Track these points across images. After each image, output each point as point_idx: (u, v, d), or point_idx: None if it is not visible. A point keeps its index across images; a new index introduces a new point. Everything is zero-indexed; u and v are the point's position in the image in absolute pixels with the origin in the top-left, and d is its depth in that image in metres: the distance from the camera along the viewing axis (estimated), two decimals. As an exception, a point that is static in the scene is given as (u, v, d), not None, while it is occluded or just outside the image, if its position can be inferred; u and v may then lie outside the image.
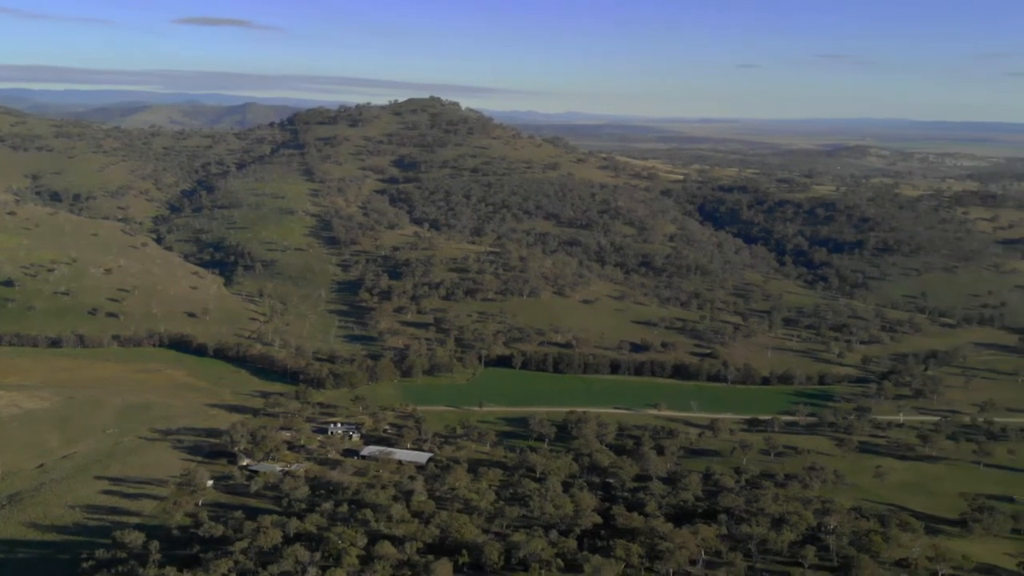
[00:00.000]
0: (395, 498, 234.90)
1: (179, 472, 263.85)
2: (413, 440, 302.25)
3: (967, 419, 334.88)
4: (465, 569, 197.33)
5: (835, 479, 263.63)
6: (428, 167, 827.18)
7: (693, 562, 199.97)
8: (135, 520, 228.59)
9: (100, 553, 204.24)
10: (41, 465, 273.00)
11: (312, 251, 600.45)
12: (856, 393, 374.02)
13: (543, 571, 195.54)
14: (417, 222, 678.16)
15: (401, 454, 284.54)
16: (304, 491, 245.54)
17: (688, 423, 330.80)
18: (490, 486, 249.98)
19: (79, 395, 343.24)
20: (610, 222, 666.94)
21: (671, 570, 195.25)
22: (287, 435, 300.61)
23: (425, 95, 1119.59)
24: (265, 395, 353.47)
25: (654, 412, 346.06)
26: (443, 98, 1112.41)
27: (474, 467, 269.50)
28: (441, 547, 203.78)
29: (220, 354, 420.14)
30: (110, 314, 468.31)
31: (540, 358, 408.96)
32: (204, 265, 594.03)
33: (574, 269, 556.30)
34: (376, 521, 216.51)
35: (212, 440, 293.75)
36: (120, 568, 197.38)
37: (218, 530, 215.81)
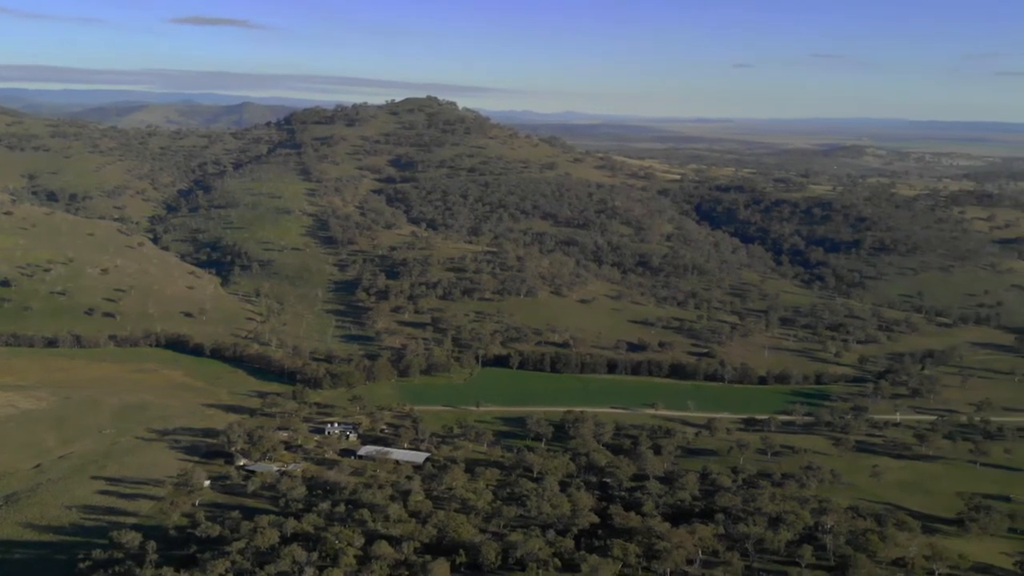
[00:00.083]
0: (392, 498, 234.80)
1: (176, 472, 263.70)
2: (410, 440, 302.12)
3: (964, 418, 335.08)
4: (462, 569, 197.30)
5: (832, 478, 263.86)
6: (425, 167, 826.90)
7: (690, 561, 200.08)
8: (132, 520, 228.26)
9: (97, 553, 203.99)
10: (38, 465, 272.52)
11: (309, 251, 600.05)
12: (853, 392, 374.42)
13: (540, 571, 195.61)
14: (414, 222, 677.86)
15: (398, 454, 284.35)
16: (301, 491, 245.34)
17: (685, 422, 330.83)
18: (487, 486, 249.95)
19: (76, 395, 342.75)
20: (607, 222, 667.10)
21: (668, 570, 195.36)
22: (284, 435, 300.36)
23: (422, 95, 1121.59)
24: (262, 395, 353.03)
25: (651, 412, 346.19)
26: (440, 98, 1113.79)
27: (471, 467, 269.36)
28: (438, 547, 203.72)
29: (217, 354, 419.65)
30: (106, 314, 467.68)
31: (537, 358, 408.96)
32: (201, 265, 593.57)
33: (571, 269, 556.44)
34: (373, 521, 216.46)
35: (209, 440, 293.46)
36: (117, 568, 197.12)
37: (215, 530, 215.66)
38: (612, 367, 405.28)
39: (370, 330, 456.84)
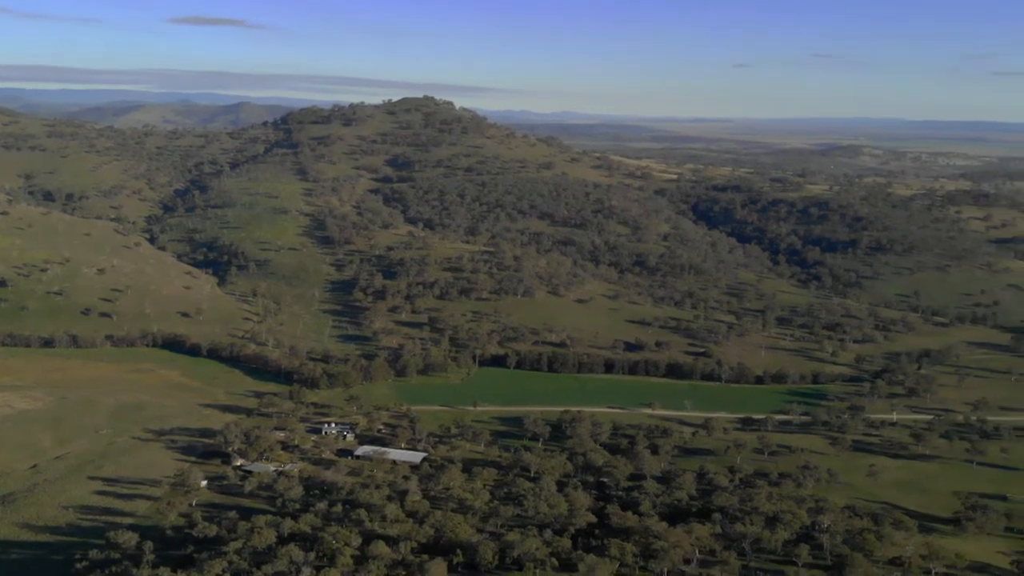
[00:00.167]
0: (389, 498, 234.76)
1: (173, 472, 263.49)
2: (407, 440, 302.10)
3: (960, 418, 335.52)
4: (459, 569, 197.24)
5: (829, 478, 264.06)
6: (422, 166, 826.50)
7: (687, 561, 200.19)
8: (129, 520, 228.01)
9: (94, 554, 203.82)
10: (34, 465, 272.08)
11: (306, 251, 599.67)
12: (850, 392, 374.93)
13: (537, 571, 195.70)
14: (411, 221, 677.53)
15: (395, 454, 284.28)
16: (298, 491, 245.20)
17: (682, 422, 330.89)
18: (484, 486, 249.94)
19: (72, 395, 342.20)
20: (604, 221, 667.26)
21: (665, 569, 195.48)
22: (281, 435, 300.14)
23: (419, 94, 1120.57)
24: (259, 395, 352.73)
25: (648, 411, 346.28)
26: (437, 97, 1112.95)
27: (468, 467, 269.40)
28: (435, 547, 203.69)
29: (214, 354, 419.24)
30: (103, 314, 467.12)
31: (534, 357, 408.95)
32: (197, 265, 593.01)
33: (568, 268, 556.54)
34: (370, 521, 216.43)
35: (206, 440, 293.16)
36: (114, 569, 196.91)
37: (212, 530, 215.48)
38: (609, 367, 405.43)
39: (367, 330, 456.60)
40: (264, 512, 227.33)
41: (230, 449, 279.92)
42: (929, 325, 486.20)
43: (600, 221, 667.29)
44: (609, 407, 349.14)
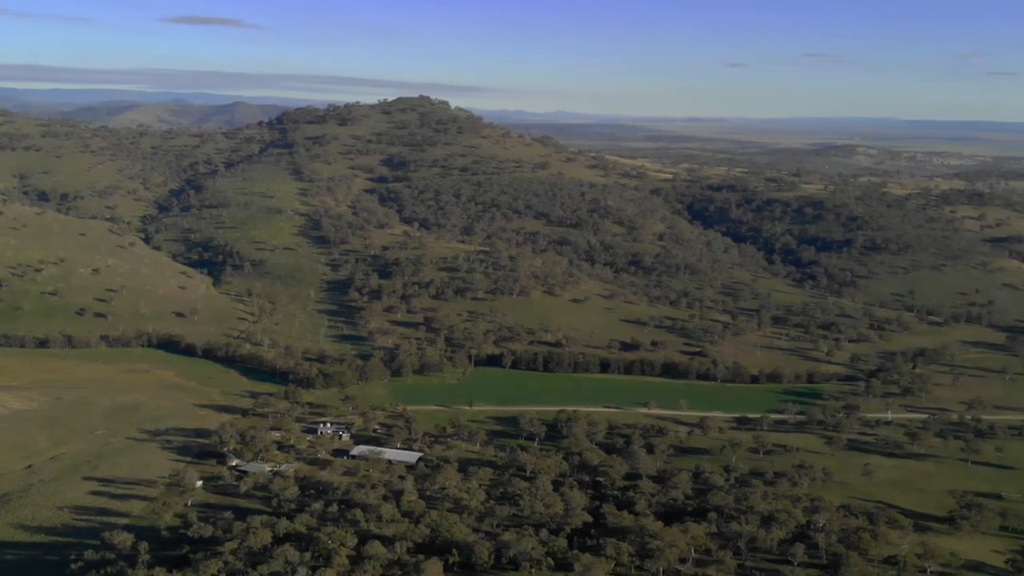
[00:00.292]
0: (385, 498, 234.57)
1: (168, 473, 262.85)
2: (403, 440, 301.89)
3: (955, 417, 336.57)
4: (455, 568, 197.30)
5: (824, 477, 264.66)
6: (418, 166, 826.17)
7: (683, 560, 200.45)
8: (124, 521, 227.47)
9: (89, 554, 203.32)
10: (29, 466, 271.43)
11: (301, 251, 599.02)
12: (845, 391, 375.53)
13: (533, 570, 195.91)
14: (407, 221, 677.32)
15: (391, 454, 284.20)
16: (294, 491, 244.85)
17: (678, 421, 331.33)
18: (480, 485, 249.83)
19: (67, 396, 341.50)
20: (599, 221, 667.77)
21: (661, 568, 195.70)
22: (276, 435, 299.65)
23: (414, 94, 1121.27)
24: (254, 395, 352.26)
25: (644, 411, 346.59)
26: (432, 97, 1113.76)
27: (464, 466, 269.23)
28: (431, 546, 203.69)
29: (209, 354, 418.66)
30: (98, 314, 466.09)
31: (530, 357, 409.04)
32: (192, 265, 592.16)
33: (564, 268, 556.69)
34: (366, 521, 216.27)
35: (201, 440, 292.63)
36: (109, 569, 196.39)
37: (207, 531, 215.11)
38: (605, 366, 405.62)
39: (363, 330, 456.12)
40: (260, 512, 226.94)
41: (225, 449, 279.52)
42: (924, 324, 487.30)
43: (596, 221, 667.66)
44: (605, 407, 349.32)
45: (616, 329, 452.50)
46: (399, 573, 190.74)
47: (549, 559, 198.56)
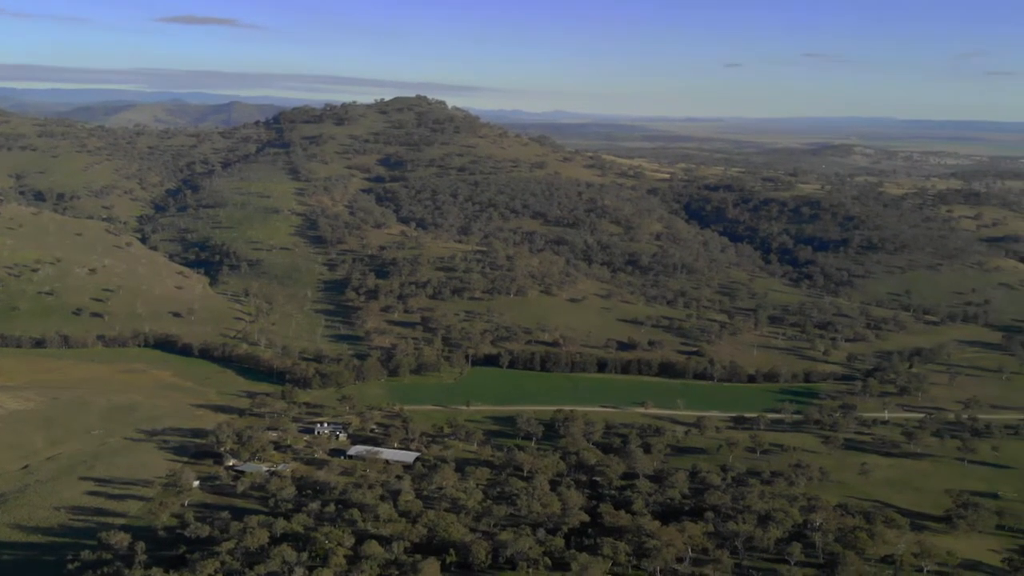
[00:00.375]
0: (382, 498, 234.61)
1: (165, 473, 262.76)
2: (400, 439, 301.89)
3: (952, 416, 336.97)
4: (453, 568, 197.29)
5: (821, 476, 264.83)
6: (415, 166, 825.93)
7: (680, 560, 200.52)
8: (121, 521, 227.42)
9: (86, 554, 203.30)
10: (26, 466, 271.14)
11: (298, 250, 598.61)
12: (841, 390, 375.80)
13: (530, 570, 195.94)
14: (404, 221, 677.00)
15: (388, 454, 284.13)
16: (291, 491, 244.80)
17: (675, 421, 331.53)
18: (477, 485, 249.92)
19: (64, 396, 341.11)
20: (597, 221, 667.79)
21: (658, 568, 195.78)
22: (273, 435, 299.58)
23: (411, 94, 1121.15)
24: (251, 395, 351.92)
25: (641, 410, 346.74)
26: (430, 97, 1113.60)
27: (461, 466, 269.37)
28: (428, 546, 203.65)
29: (206, 354, 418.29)
30: (95, 314, 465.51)
31: (527, 357, 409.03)
32: (189, 265, 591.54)
33: (561, 268, 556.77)
34: (363, 521, 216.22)
35: (198, 440, 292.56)
36: (106, 569, 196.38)
37: (204, 531, 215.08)
38: (602, 366, 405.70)
39: (360, 330, 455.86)
40: (257, 512, 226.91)
41: (222, 449, 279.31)
42: (920, 324, 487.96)
43: (593, 220, 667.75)
44: (602, 406, 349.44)
45: (613, 329, 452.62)
46: (396, 573, 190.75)
47: (546, 559, 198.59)
